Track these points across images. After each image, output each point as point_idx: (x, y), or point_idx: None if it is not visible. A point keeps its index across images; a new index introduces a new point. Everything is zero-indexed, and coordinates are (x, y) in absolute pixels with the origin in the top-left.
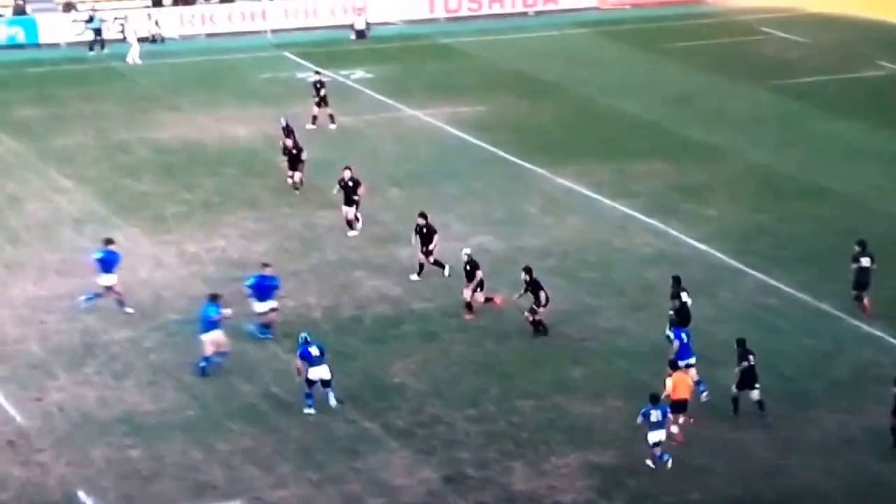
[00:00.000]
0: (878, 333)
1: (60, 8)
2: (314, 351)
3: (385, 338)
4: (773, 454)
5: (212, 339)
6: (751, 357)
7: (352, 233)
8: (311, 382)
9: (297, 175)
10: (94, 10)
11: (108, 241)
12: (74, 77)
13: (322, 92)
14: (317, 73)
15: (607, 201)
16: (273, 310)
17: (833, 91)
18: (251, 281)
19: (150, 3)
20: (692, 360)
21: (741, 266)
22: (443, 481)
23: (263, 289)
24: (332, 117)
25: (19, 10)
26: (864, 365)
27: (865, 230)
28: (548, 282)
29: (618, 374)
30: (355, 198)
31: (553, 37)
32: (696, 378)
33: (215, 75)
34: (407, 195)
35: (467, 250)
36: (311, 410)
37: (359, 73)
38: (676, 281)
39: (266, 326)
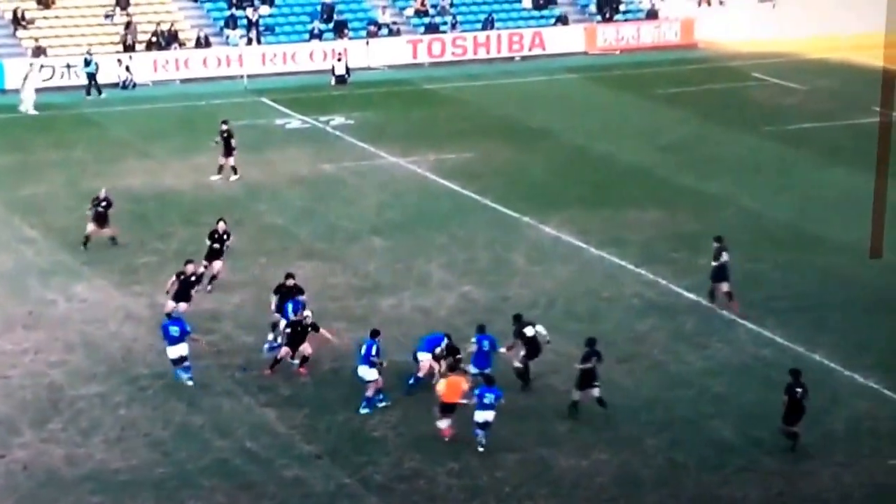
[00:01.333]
0: (874, 385)
1: (30, 52)
2: (174, 330)
3: (364, 391)
4: None
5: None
6: (594, 359)
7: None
8: (173, 361)
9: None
10: (90, 54)
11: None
12: (43, 124)
13: (232, 141)
14: (224, 122)
15: (596, 251)
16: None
17: (828, 137)
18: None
19: (121, 49)
20: (487, 371)
21: (734, 317)
22: None
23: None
24: (234, 168)
25: None
26: (859, 417)
27: (862, 278)
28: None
29: (605, 427)
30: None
31: (541, 82)
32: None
33: (190, 122)
34: (389, 244)
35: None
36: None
37: (338, 120)
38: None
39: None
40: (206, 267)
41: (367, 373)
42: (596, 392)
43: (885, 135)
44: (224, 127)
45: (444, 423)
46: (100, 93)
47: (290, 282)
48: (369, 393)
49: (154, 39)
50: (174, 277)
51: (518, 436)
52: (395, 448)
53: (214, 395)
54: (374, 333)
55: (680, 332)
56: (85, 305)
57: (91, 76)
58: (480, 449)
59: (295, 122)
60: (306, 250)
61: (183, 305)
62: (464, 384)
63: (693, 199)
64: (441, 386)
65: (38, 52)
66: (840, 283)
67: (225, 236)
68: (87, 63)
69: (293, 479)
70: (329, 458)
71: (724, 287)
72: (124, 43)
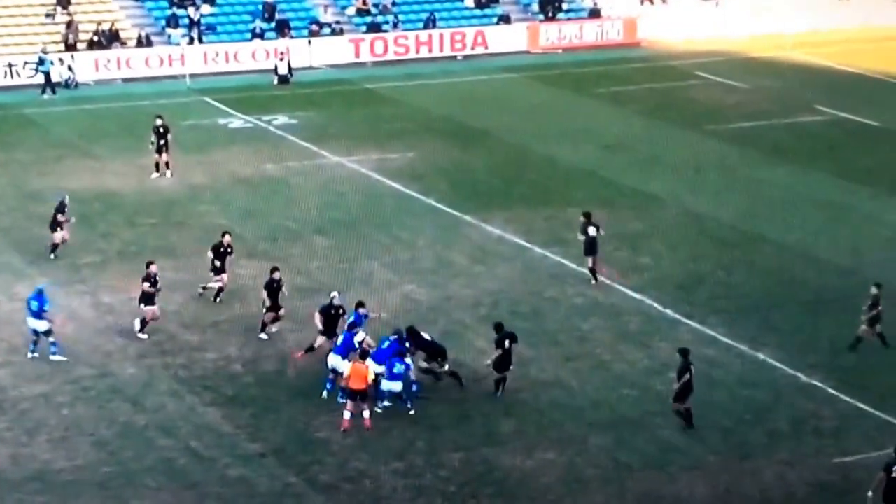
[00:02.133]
0: (818, 384)
1: None
2: (33, 305)
3: (309, 390)
4: None
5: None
6: (506, 342)
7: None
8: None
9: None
10: (45, 53)
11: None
12: None
13: (167, 137)
14: (159, 117)
15: (539, 250)
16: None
17: (771, 136)
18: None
19: (62, 48)
20: (380, 369)
21: (677, 316)
22: None
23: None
24: (167, 164)
25: None
26: (803, 416)
27: (805, 277)
28: (478, 332)
29: (550, 426)
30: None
31: (483, 81)
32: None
33: (133, 122)
34: (332, 244)
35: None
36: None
37: (282, 119)
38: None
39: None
40: (217, 282)
41: (341, 364)
42: (507, 375)
43: None
44: (158, 122)
45: (348, 414)
46: (54, 92)
47: (227, 238)
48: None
49: (95, 39)
50: (210, 253)
51: (463, 435)
52: (341, 448)
53: (158, 394)
54: (351, 326)
55: (624, 332)
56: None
57: (47, 75)
58: (378, 411)
59: (238, 121)
60: (250, 250)
61: (151, 309)
62: (370, 372)
63: (635, 199)
64: (346, 372)
65: None
66: (783, 283)
67: (229, 249)
68: (42, 62)
69: (238, 478)
70: (274, 457)
71: (590, 262)
72: (66, 42)
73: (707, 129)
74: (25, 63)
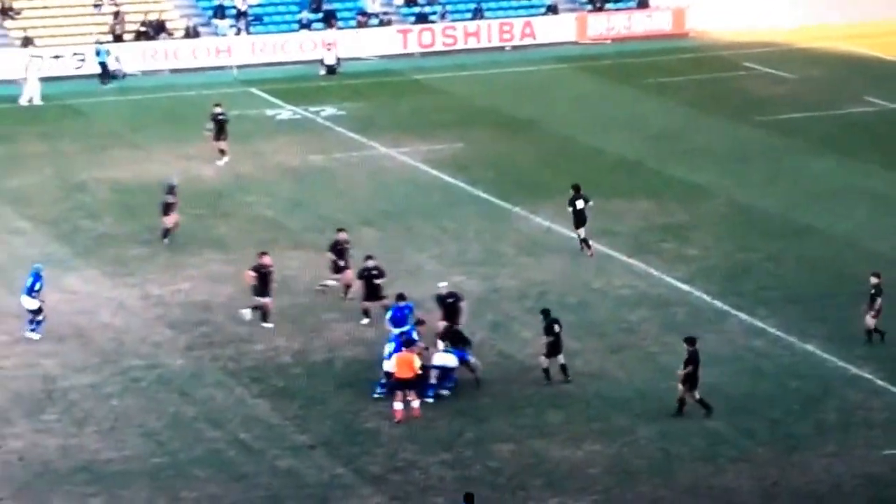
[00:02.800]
0: (867, 376)
1: (17, 43)
2: (28, 283)
3: (357, 381)
4: (758, 499)
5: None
6: (556, 326)
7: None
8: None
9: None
10: (101, 43)
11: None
12: (31, 115)
13: (224, 125)
14: (217, 105)
15: None
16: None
17: (820, 127)
18: (389, 313)
19: (110, 38)
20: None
21: (725, 307)
22: None
23: (399, 318)
24: (222, 152)
25: None
26: (851, 407)
27: (853, 269)
28: (525, 323)
29: (598, 418)
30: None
31: (531, 72)
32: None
33: (179, 113)
34: (380, 235)
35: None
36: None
37: (329, 110)
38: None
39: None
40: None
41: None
42: (561, 359)
43: None
44: (217, 110)
45: (399, 404)
46: (110, 80)
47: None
48: (433, 380)
49: (143, 29)
50: (252, 271)
51: (511, 427)
52: (390, 439)
53: (207, 385)
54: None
55: (671, 323)
56: (76, 297)
57: (103, 65)
58: (430, 400)
59: (285, 112)
60: (296, 241)
61: (268, 300)
62: (416, 360)
63: (682, 190)
64: (391, 363)
65: (27, 42)
66: (831, 274)
67: (346, 245)
68: (98, 52)
69: (286, 469)
70: (323, 448)
71: (581, 233)
72: (113, 33)
73: (755, 120)
74: (73, 54)
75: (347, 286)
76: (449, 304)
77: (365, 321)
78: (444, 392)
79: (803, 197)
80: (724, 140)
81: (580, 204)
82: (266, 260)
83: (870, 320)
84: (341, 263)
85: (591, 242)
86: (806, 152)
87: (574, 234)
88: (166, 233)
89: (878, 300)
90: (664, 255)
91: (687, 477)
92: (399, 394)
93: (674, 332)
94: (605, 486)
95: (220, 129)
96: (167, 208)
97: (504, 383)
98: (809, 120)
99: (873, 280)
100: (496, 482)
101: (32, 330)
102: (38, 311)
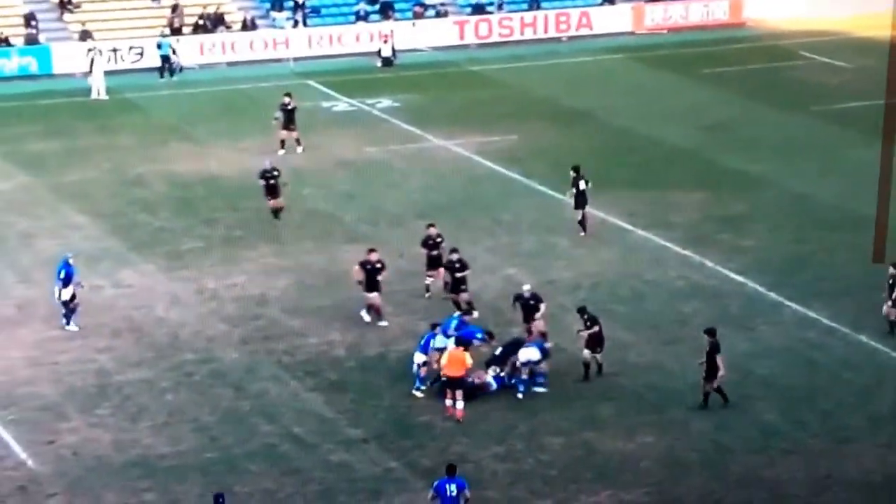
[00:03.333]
0: None
1: (76, 37)
2: (62, 274)
3: (411, 375)
4: (811, 491)
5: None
6: (597, 325)
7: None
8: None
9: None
10: (164, 36)
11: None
12: (89, 109)
13: (293, 115)
14: (287, 94)
15: (641, 232)
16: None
17: (875, 117)
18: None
19: (168, 32)
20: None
21: (779, 298)
22: None
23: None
24: (297, 140)
25: (32, 39)
26: None
27: None
28: (578, 316)
29: (650, 410)
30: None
31: (587, 63)
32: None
33: (236, 105)
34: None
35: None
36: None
37: (385, 102)
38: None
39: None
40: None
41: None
42: (599, 357)
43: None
44: (287, 100)
45: (449, 401)
46: (171, 74)
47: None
48: (523, 376)
49: (200, 22)
50: (358, 266)
51: (563, 419)
52: (442, 432)
53: (261, 380)
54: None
55: (725, 315)
56: (132, 291)
57: (165, 58)
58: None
59: (341, 104)
60: (351, 234)
61: (375, 295)
62: (467, 358)
63: (738, 181)
64: (443, 360)
65: (85, 36)
66: (885, 265)
67: (438, 240)
68: (160, 46)
69: (339, 463)
70: (375, 442)
71: (579, 215)
72: (171, 26)
73: (810, 110)
74: (131, 48)
75: (447, 283)
76: (530, 306)
77: (457, 314)
78: (540, 389)
79: (858, 187)
80: (780, 130)
81: (582, 185)
82: (373, 256)
83: (889, 310)
84: (434, 253)
85: (587, 225)
86: (862, 142)
87: (596, 215)
88: (276, 212)
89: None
90: (719, 246)
91: (738, 469)
92: (448, 391)
93: (728, 324)
94: (656, 479)
95: (289, 118)
96: (270, 190)
97: (556, 376)
98: (865, 109)
99: (892, 270)
100: (548, 475)
101: (67, 322)
102: (72, 299)
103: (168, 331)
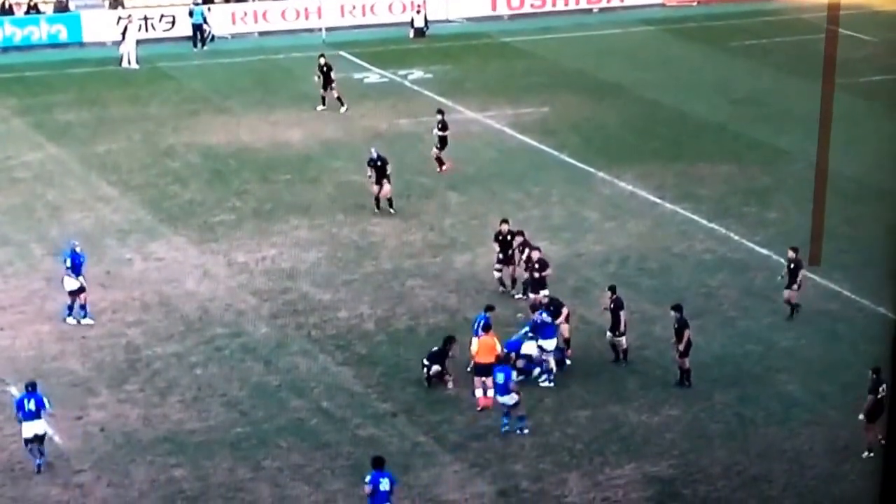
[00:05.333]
0: None
1: (107, 4)
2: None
3: (452, 358)
4: (831, 462)
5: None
6: (621, 312)
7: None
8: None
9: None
10: (196, 4)
11: None
12: (120, 78)
13: (332, 74)
14: (321, 56)
15: (669, 205)
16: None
17: None
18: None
19: (200, 1)
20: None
21: (802, 271)
22: (496, 495)
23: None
24: (339, 98)
25: (62, 7)
26: None
27: None
28: (606, 290)
29: (676, 382)
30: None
31: (617, 35)
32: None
33: (267, 76)
34: (465, 200)
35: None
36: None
37: (417, 74)
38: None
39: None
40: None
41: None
42: (622, 341)
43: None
44: (322, 61)
45: (479, 391)
46: (204, 44)
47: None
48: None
49: None
50: (495, 245)
51: (589, 393)
52: (470, 406)
53: (291, 354)
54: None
55: (750, 288)
56: (162, 264)
57: (197, 27)
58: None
59: (373, 76)
60: (383, 208)
61: (502, 269)
62: (497, 345)
63: (764, 153)
64: (473, 346)
65: (116, 3)
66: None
67: (509, 237)
68: (192, 13)
69: (368, 437)
70: (404, 416)
71: (434, 153)
72: None
73: (836, 83)
74: (162, 16)
75: (513, 280)
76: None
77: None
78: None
79: (883, 160)
80: (806, 103)
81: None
82: (504, 227)
83: (790, 294)
84: (501, 256)
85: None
86: (885, 115)
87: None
88: (379, 202)
89: (800, 273)
90: (745, 219)
91: (761, 441)
92: (478, 380)
93: (752, 297)
94: (681, 451)
95: (327, 78)
96: (377, 179)
97: (583, 349)
98: (890, 82)
99: (790, 255)
100: (574, 448)
101: (71, 315)
102: (81, 290)
103: (198, 305)
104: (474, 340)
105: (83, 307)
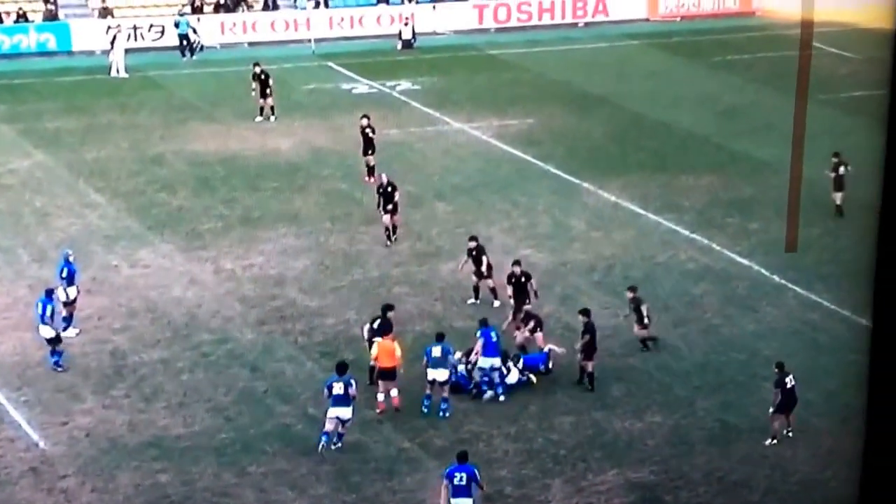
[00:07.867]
0: None
1: (96, 14)
2: (64, 273)
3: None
4: (813, 468)
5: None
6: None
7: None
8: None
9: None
10: (182, 14)
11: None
12: (108, 86)
13: (268, 83)
14: (256, 64)
15: (653, 216)
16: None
17: (882, 106)
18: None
19: (188, 11)
20: (496, 361)
21: (784, 281)
22: (481, 500)
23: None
24: (272, 109)
25: (51, 16)
26: None
27: None
28: (592, 297)
29: (659, 390)
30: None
31: (602, 48)
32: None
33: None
34: (452, 209)
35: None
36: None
37: (404, 85)
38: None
39: None
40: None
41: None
42: (588, 365)
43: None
44: (257, 70)
45: (381, 396)
46: (192, 54)
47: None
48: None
49: (222, 1)
50: (508, 288)
51: (573, 399)
52: (455, 412)
53: (277, 360)
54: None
55: (732, 297)
56: (149, 271)
57: (183, 37)
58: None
59: (362, 86)
60: (370, 216)
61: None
62: (397, 348)
63: (747, 165)
64: (374, 350)
65: (105, 13)
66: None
67: (522, 279)
68: (178, 25)
69: (354, 443)
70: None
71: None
72: (192, 5)
73: (819, 98)
74: (151, 26)
75: (493, 289)
76: (521, 285)
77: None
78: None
79: (864, 174)
80: (788, 116)
81: (842, 170)
82: (517, 269)
83: (639, 331)
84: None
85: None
86: (867, 130)
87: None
88: (388, 231)
89: (644, 308)
90: (728, 229)
91: (743, 447)
92: (381, 384)
93: (735, 306)
94: (662, 458)
95: (263, 87)
96: (384, 205)
97: (567, 356)
98: (873, 98)
99: (629, 294)
100: (558, 454)
101: (71, 325)
102: (73, 301)
103: (185, 311)
104: (374, 344)
105: (68, 318)
